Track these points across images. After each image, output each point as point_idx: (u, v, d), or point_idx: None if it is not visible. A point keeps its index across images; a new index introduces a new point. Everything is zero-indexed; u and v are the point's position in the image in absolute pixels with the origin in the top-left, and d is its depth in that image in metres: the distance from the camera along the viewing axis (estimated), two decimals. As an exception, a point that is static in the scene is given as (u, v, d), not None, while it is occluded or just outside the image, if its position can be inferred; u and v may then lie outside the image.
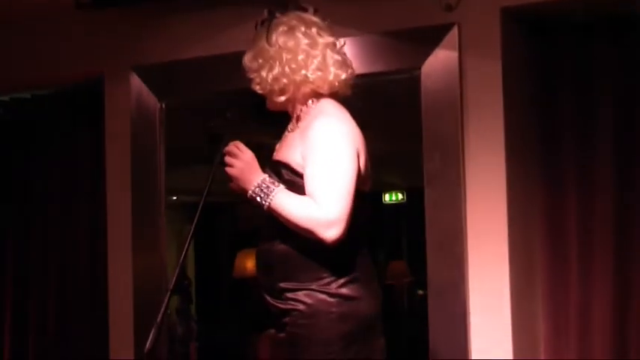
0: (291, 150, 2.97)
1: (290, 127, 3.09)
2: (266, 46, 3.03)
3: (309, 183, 2.88)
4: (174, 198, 4.72)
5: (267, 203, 2.89)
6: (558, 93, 3.92)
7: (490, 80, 3.78)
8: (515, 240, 3.78)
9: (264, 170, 2.96)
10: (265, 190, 2.89)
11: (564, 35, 3.91)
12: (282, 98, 3.05)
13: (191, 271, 6.52)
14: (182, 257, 2.90)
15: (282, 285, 2.93)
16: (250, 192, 2.91)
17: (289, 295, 2.92)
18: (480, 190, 3.79)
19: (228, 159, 2.95)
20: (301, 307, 2.90)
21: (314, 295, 2.90)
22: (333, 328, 2.88)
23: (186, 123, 4.54)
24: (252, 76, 3.07)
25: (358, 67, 3.88)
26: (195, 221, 2.90)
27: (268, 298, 2.99)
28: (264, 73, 3.03)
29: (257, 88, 3.07)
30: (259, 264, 3.03)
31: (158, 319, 2.75)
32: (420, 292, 6.77)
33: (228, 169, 2.95)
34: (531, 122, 3.96)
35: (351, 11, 3.99)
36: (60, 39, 4.64)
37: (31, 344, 4.97)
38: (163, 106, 4.44)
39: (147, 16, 4.42)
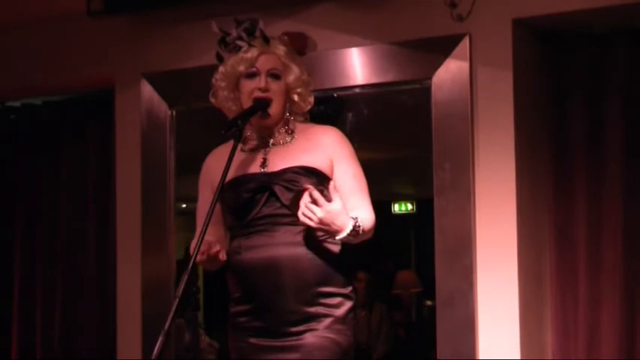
0: (315, 158, 3.00)
1: (273, 140, 3.08)
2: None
3: (353, 183, 2.99)
4: (184, 205, 4.72)
5: (359, 237, 2.92)
6: (569, 103, 3.92)
7: (501, 91, 3.78)
8: (524, 250, 3.78)
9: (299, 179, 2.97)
10: (357, 229, 2.89)
11: (575, 46, 3.91)
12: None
13: (199, 279, 6.50)
14: (190, 264, 2.89)
15: (320, 290, 2.94)
16: (346, 235, 2.86)
17: (325, 300, 2.94)
18: (489, 200, 3.79)
19: (312, 207, 2.82)
20: (338, 312, 2.95)
21: (346, 303, 2.97)
22: (352, 335, 2.99)
23: (196, 130, 4.54)
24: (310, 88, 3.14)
25: (369, 76, 3.88)
26: (204, 228, 2.89)
27: (288, 302, 2.92)
28: (305, 77, 3.11)
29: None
30: (281, 268, 2.93)
31: (166, 326, 2.74)
32: (429, 302, 6.76)
33: (313, 214, 2.82)
34: (542, 133, 3.95)
35: (362, 21, 3.99)
36: (71, 46, 4.66)
37: (38, 350, 4.98)
38: (174, 113, 4.45)
39: (158, 24, 4.43)
